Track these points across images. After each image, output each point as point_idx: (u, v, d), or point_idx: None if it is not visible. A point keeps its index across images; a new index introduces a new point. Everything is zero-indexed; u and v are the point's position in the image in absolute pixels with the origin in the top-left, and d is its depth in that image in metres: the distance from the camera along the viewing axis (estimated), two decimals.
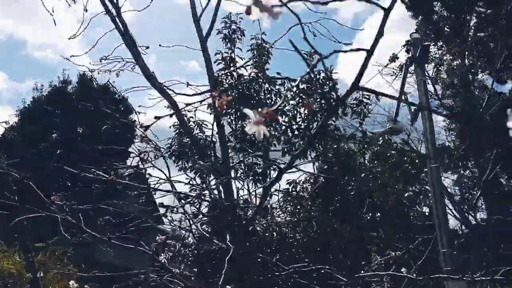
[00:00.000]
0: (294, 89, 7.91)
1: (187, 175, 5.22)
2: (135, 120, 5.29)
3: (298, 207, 7.14)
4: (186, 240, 4.82)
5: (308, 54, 7.80)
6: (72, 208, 3.05)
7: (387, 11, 1.27)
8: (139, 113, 3.82)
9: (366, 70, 1.48)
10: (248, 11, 0.81)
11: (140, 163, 3.98)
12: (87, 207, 3.28)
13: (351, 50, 1.43)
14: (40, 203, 3.04)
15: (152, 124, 1.67)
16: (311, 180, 7.88)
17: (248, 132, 0.91)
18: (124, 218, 3.57)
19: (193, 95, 3.34)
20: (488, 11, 15.39)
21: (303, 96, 7.97)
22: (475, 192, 12.18)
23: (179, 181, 4.05)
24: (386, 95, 6.33)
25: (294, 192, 7.55)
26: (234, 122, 6.84)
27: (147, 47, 3.87)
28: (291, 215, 6.90)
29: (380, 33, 1.37)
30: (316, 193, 7.46)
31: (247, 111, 0.95)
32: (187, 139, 6.51)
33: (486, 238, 9.34)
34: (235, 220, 3.23)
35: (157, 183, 3.87)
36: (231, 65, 6.69)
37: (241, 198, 5.38)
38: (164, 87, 3.88)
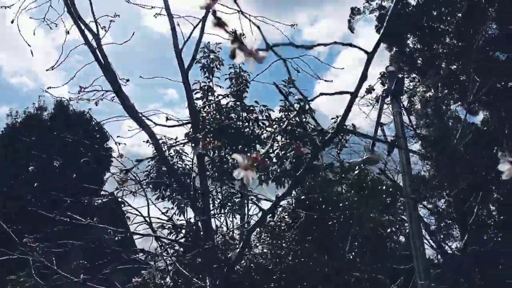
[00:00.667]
0: (275, 127, 7.97)
1: (162, 212, 5.12)
2: (111, 148, 5.22)
3: (277, 239, 7.08)
4: (163, 281, 4.70)
5: (287, 81, 7.91)
6: (44, 250, 2.94)
7: (370, 55, 1.29)
8: (119, 143, 3.75)
9: (350, 112, 1.49)
10: (233, 55, 0.80)
11: (117, 191, 3.90)
12: (60, 250, 3.17)
13: (336, 93, 1.44)
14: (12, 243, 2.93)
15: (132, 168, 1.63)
16: (290, 209, 7.86)
17: (236, 178, 0.88)
18: (98, 255, 3.46)
19: (172, 126, 3.30)
20: (459, 44, 15.97)
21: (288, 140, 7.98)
22: (450, 222, 12.34)
23: (158, 218, 3.98)
24: (368, 137, 6.42)
25: (272, 223, 7.50)
26: (212, 152, 6.82)
27: (127, 80, 3.84)
28: (269, 246, 6.83)
29: (364, 76, 1.38)
30: (295, 223, 7.43)
31: (236, 156, 0.93)
32: (165, 169, 6.44)
33: (460, 269, 9.41)
34: (215, 262, 3.16)
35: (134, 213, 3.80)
36: (209, 94, 6.72)
37: (221, 235, 5.30)
38: (144, 117, 3.84)
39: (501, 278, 9.28)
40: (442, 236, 12.61)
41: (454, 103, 17.00)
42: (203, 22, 4.01)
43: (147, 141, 5.88)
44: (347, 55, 30.57)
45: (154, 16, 4.11)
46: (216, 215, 6.72)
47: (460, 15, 15.87)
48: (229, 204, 6.42)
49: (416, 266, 5.62)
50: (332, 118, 8.25)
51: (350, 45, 1.12)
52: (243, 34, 0.78)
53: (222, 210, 6.61)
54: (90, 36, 3.78)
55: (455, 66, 14.23)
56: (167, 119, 3.97)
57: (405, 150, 6.60)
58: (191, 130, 4.01)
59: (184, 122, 4.09)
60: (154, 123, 3.95)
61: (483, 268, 10.59)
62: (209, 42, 7.17)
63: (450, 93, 16.97)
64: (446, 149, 11.83)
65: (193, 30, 4.08)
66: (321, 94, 1.46)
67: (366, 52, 1.29)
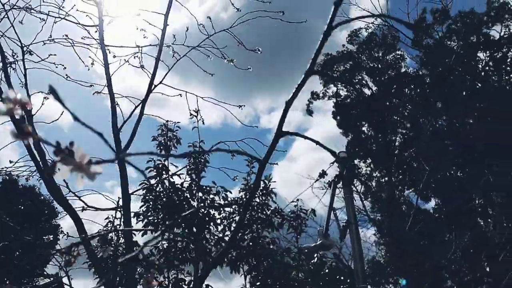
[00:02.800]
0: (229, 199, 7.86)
1: None
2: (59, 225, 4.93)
3: None
4: None
5: (249, 161, 7.92)
6: None
7: (263, 162, 1.24)
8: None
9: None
10: (51, 171, 0.64)
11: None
12: None
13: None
14: None
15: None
16: None
17: None
18: None
19: (103, 209, 3.13)
20: (411, 133, 16.80)
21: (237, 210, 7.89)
22: None
23: None
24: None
25: None
26: (161, 234, 6.54)
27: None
28: None
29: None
30: None
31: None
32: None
33: None
34: None
35: None
36: (163, 173, 6.58)
37: None
38: (77, 198, 3.66)
39: None
40: None
41: (407, 189, 17.49)
42: (143, 103, 4.01)
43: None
44: (302, 142, 31.70)
45: (93, 94, 4.08)
46: None
47: (410, 106, 16.88)
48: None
49: None
50: (292, 201, 8.23)
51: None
52: (72, 145, 0.64)
53: None
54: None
55: (407, 154, 14.83)
56: (96, 209, 3.77)
57: (356, 232, 6.59)
58: (122, 213, 3.82)
59: (112, 208, 3.92)
60: (84, 206, 3.76)
61: None
62: (167, 121, 7.16)
63: (403, 179, 17.52)
64: (398, 235, 11.95)
65: (133, 110, 4.05)
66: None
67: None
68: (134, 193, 4.29)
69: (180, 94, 2.97)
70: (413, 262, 11.10)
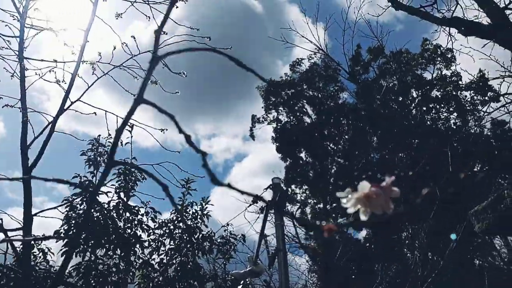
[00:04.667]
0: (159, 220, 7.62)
1: None
2: None
3: None
4: None
5: (185, 181, 7.74)
6: None
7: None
8: None
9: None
10: None
11: None
12: None
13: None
14: None
15: None
16: None
17: None
18: None
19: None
20: (346, 163, 17.29)
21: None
22: None
23: None
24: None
25: None
26: (82, 254, 6.18)
27: None
28: None
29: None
30: None
31: None
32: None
33: None
34: None
35: None
36: (90, 189, 6.27)
37: None
38: None
39: None
40: None
41: (340, 217, 17.88)
42: (55, 121, 3.81)
43: None
44: (241, 166, 32.04)
45: (2, 107, 3.82)
46: None
47: (347, 137, 17.42)
48: None
49: None
50: (223, 226, 8.10)
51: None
52: None
53: None
54: None
55: (341, 183, 15.20)
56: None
57: (284, 257, 6.59)
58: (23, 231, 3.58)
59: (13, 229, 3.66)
60: None
61: None
62: (99, 135, 6.88)
63: (337, 207, 17.92)
64: (328, 263, 12.12)
65: (45, 128, 3.83)
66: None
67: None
68: (39, 214, 4.01)
69: (95, 113, 2.84)
70: None
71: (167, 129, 4.52)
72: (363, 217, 0.57)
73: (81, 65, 3.94)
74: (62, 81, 3.96)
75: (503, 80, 9.37)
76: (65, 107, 3.65)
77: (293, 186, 18.00)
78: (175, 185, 7.03)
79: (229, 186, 0.64)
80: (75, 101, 3.84)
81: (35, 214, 3.81)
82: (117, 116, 3.47)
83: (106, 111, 3.31)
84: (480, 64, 17.17)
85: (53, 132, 3.72)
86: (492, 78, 9.62)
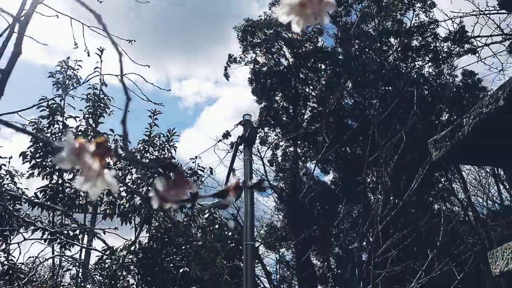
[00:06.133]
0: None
1: None
2: None
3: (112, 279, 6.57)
4: None
5: (152, 112, 7.70)
6: None
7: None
8: None
9: None
10: None
11: None
12: None
13: None
14: None
15: None
16: (132, 248, 7.43)
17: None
18: None
19: None
20: (320, 108, 17.43)
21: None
22: (293, 272, 12.87)
23: None
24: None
25: (109, 260, 6.98)
26: (49, 177, 6.18)
27: None
28: (101, 286, 6.30)
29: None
30: (134, 263, 7.02)
31: None
32: None
33: None
34: None
35: None
36: (58, 113, 6.17)
37: None
38: None
39: None
40: (285, 286, 13.05)
41: (310, 161, 18.27)
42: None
43: None
44: (212, 110, 32.04)
45: None
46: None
47: (323, 82, 17.44)
48: (60, 236, 5.78)
49: None
50: (191, 159, 8.19)
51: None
52: None
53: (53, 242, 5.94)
54: None
55: (313, 127, 15.39)
56: None
57: (250, 189, 6.78)
58: None
59: None
60: None
61: None
62: (68, 57, 6.69)
63: (307, 151, 18.25)
64: (295, 202, 12.50)
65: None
66: None
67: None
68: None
69: (57, 15, 2.64)
70: (303, 228, 11.70)
71: (149, 66, 4.37)
72: (296, 28, 0.57)
73: None
74: None
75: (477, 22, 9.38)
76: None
77: (266, 129, 18.14)
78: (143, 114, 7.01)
79: None
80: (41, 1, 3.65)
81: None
82: (83, 24, 3.32)
83: (71, 17, 3.18)
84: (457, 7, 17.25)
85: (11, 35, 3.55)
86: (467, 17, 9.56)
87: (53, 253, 5.55)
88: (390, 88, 15.09)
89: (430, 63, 14.83)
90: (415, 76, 13.94)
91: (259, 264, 11.45)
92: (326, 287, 14.99)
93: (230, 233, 7.29)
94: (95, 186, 0.54)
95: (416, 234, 8.45)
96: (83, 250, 8.46)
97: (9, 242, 5.85)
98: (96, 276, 6.52)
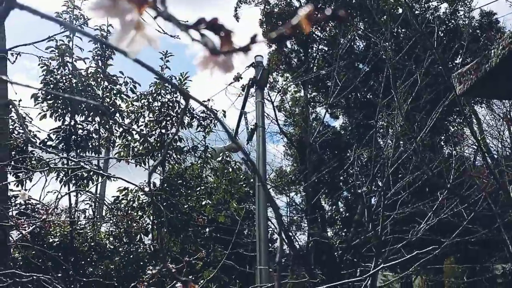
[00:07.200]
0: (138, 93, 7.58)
1: None
2: None
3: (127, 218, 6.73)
4: None
5: (163, 54, 7.58)
6: None
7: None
8: None
9: None
10: None
11: None
12: None
13: None
14: None
15: None
16: (146, 189, 7.55)
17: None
18: None
19: None
20: (330, 51, 17.06)
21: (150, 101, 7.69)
22: (303, 215, 13.11)
23: None
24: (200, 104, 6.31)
25: (124, 201, 7.13)
26: (61, 118, 6.19)
27: None
28: (115, 226, 6.47)
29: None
30: (148, 204, 7.16)
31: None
32: None
33: (304, 259, 10.03)
34: None
35: None
36: (67, 55, 6.08)
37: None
38: None
39: (339, 270, 10.09)
40: (294, 228, 13.34)
41: (319, 106, 18.15)
42: None
43: None
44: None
45: None
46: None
47: (332, 24, 16.94)
48: (74, 176, 5.87)
49: (258, 252, 5.75)
50: (204, 101, 8.13)
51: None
52: None
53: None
54: None
55: (324, 72, 15.11)
56: None
57: (262, 132, 6.76)
58: None
59: None
60: None
61: (324, 261, 11.45)
62: None
63: (317, 96, 18.07)
64: (305, 147, 12.53)
65: None
66: None
67: None
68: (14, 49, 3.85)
69: None
70: (313, 172, 11.80)
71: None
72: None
73: None
74: None
75: None
76: None
77: (274, 74, 17.87)
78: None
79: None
80: None
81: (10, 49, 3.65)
82: None
83: None
84: None
85: None
86: None
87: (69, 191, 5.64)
88: (404, 30, 14.64)
89: (445, 3, 14.29)
90: (430, 17, 13.48)
91: (270, 207, 11.66)
92: (334, 229, 15.33)
93: (243, 177, 7.35)
94: (133, 41, 0.46)
95: (426, 177, 8.48)
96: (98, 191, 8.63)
97: (24, 184, 5.94)
98: (113, 214, 6.67)
